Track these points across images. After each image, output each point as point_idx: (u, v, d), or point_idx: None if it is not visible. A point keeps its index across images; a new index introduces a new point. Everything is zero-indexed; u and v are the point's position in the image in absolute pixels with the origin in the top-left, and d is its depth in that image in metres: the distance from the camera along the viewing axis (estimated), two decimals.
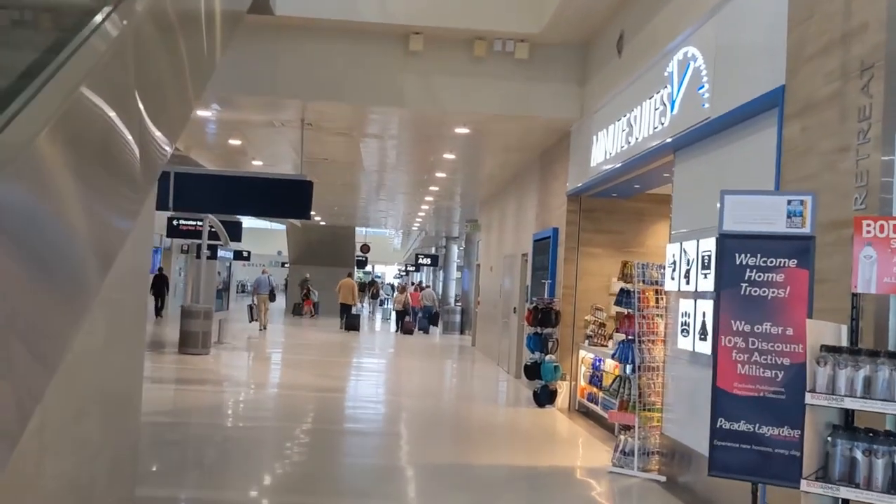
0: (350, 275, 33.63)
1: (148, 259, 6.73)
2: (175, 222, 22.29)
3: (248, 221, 57.46)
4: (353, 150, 15.73)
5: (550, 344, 12.29)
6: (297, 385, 14.80)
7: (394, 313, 30.76)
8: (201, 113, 12.87)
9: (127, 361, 5.94)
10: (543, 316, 12.30)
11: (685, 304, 7.43)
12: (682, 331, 7.45)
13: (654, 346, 8.21)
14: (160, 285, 28.47)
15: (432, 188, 21.02)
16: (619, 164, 9.49)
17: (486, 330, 21.51)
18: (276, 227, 41.19)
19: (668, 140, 7.91)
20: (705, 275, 6.93)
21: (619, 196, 12.17)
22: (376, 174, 19.32)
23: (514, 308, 16.45)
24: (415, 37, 11.32)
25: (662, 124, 8.09)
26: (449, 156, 15.52)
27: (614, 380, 9.82)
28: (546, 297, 12.71)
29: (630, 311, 8.34)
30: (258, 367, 17.05)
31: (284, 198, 12.48)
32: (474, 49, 11.40)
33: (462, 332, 28.79)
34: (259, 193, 12.41)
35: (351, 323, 28.05)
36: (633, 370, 8.23)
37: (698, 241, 7.17)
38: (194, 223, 21.25)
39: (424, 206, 26.75)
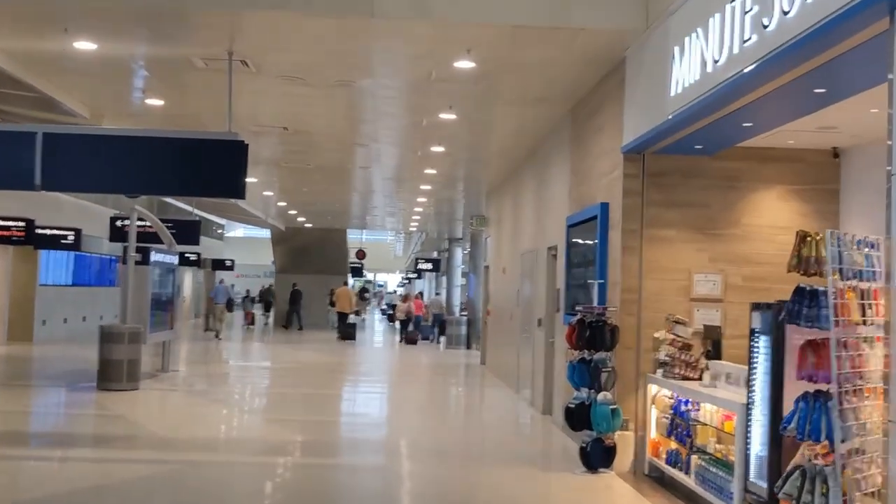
0: (346, 283, 32.48)
1: None
2: (118, 223, 18.24)
3: (235, 229, 53.84)
4: (316, 110, 11.61)
5: (605, 376, 8.16)
6: (241, 443, 10.68)
7: (398, 323, 29.95)
8: (82, 46, 8.77)
9: None
10: (594, 334, 8.17)
11: None
12: None
13: (864, 404, 4.07)
14: None
15: (428, 171, 16.85)
16: (753, 66, 5.31)
17: (498, 346, 17.36)
18: (267, 235, 37.17)
19: None
20: None
21: (705, 150, 8.04)
22: (353, 151, 15.14)
23: (539, 320, 12.32)
24: None
25: None
26: (447, 116, 11.39)
27: (790, 473, 5.48)
28: (596, 305, 8.58)
29: (820, 329, 4.20)
30: (197, 410, 12.80)
31: (205, 168, 8.37)
32: None
33: (468, 346, 24.64)
34: (166, 162, 8.31)
35: (346, 332, 27.13)
36: (837, 457, 4.07)
37: None
38: (142, 223, 17.16)
39: (421, 199, 22.58)
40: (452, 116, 11.43)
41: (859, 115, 6.84)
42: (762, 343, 5.84)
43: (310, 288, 34.53)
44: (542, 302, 12.23)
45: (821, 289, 4.24)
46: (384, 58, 9.31)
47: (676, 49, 6.76)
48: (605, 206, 8.88)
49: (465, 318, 25.64)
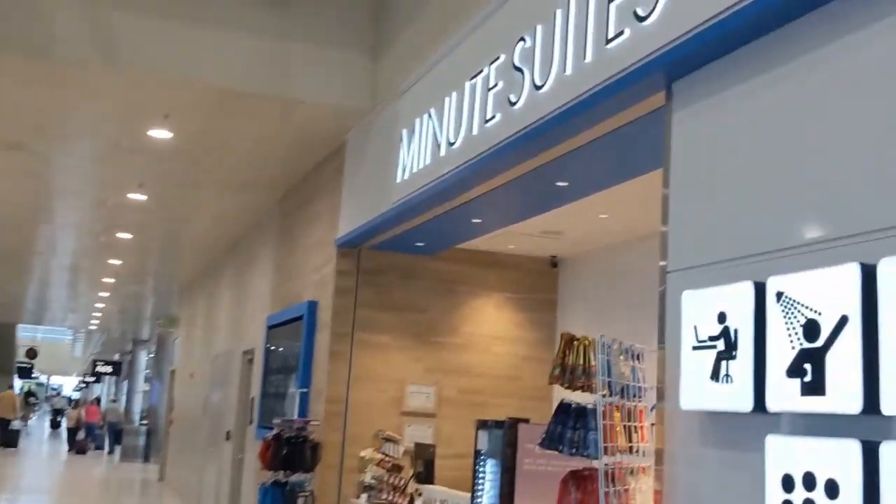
0: (11, 387, 30.33)
1: None
2: None
3: None
4: None
5: (301, 501, 7.02)
6: None
7: (66, 431, 28.21)
8: None
9: None
10: (292, 452, 7.05)
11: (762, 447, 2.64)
12: None
13: None
14: None
15: (112, 261, 15.06)
16: (495, 148, 4.64)
17: (182, 460, 15.57)
18: None
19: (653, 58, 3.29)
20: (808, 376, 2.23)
21: (426, 248, 7.36)
22: (25, 231, 13.11)
23: (228, 432, 10.95)
24: None
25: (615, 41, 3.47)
26: (137, 196, 9.99)
27: None
28: (297, 417, 7.48)
29: (587, 458, 3.41)
30: None
31: None
32: None
33: (147, 458, 22.28)
34: None
35: (8, 439, 25.06)
36: None
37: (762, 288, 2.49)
38: None
39: (104, 293, 20.38)
40: (143, 197, 10.06)
41: (587, 220, 6.48)
42: (489, 468, 5.05)
43: None
44: (232, 411, 10.90)
45: (589, 406, 3.51)
46: (66, 116, 7.88)
47: (405, 132, 6.06)
48: (312, 305, 7.91)
49: (145, 427, 23.27)
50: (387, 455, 6.98)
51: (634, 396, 3.56)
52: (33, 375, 41.30)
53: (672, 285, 3.17)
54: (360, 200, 7.16)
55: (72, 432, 27.10)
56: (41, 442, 32.30)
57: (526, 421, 4.97)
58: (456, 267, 7.75)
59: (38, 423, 41.29)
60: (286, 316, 8.64)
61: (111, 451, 25.99)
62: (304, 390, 7.72)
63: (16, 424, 26.23)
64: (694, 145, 3.26)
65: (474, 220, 6.20)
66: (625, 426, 3.42)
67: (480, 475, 5.13)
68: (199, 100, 7.01)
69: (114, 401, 33.81)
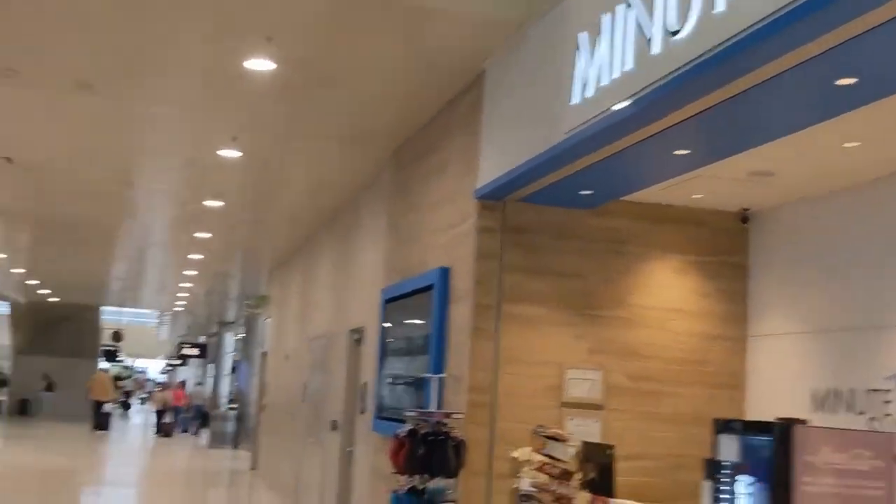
0: (103, 369, 30.22)
1: None
2: None
3: None
4: (46, 127, 8.63)
5: None
6: None
7: (155, 413, 27.96)
8: None
9: None
10: (430, 452, 5.65)
11: None
12: None
13: None
14: None
15: (200, 234, 13.91)
16: (784, 12, 3.10)
17: (276, 448, 14.44)
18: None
19: None
20: None
21: (593, 198, 5.85)
22: (102, 200, 11.95)
23: (335, 422, 9.66)
24: None
25: None
26: (229, 153, 8.70)
27: None
28: (434, 409, 6.07)
29: None
30: None
31: None
32: None
33: (236, 445, 21.33)
34: None
35: (101, 422, 25.27)
36: None
37: None
38: None
39: (190, 272, 19.38)
40: (236, 154, 8.76)
41: (820, 153, 4.90)
42: (741, 488, 3.57)
43: (55, 371, 30.54)
44: (338, 398, 9.61)
45: None
46: (147, 46, 6.50)
47: (584, 35, 4.56)
48: (444, 272, 6.49)
49: (233, 412, 22.33)
50: (551, 457, 5.53)
51: None
52: (119, 359, 41.10)
53: None
54: (508, 139, 5.70)
55: (159, 415, 27.22)
56: (130, 423, 32.08)
57: (802, 422, 3.47)
58: (622, 223, 6.23)
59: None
60: (407, 287, 7.25)
61: (197, 434, 26.17)
62: (441, 376, 6.32)
63: (107, 407, 26.24)
64: None
65: (679, 152, 4.68)
66: None
67: (724, 498, 3.64)
68: (307, 15, 5.62)
69: (199, 384, 33.33)
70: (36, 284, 24.93)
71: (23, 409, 30.86)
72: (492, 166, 5.89)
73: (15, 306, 30.57)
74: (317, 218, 11.81)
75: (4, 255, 19.13)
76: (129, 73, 6.87)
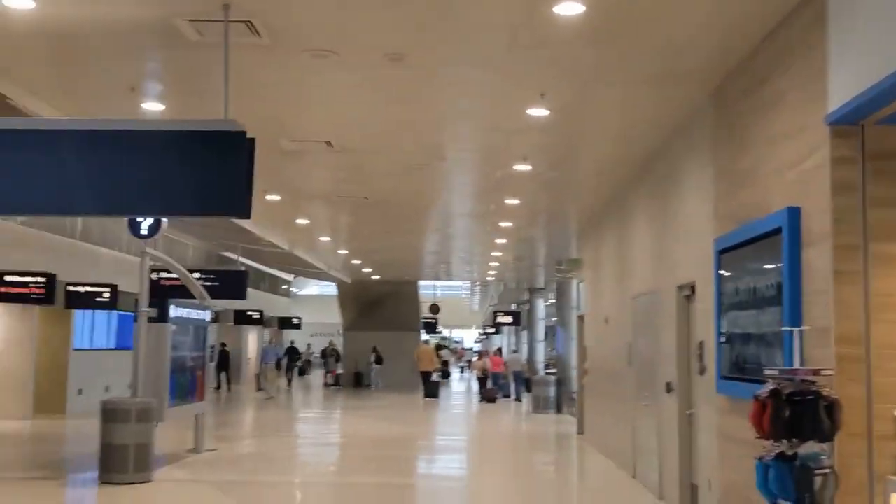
0: (427, 341, 33.09)
1: None
2: (153, 275, 15.66)
3: (306, 286, 51.46)
4: (360, 108, 8.82)
5: (820, 481, 4.98)
6: None
7: (476, 381, 29.85)
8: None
9: None
10: (798, 413, 5.02)
11: None
12: None
13: None
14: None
15: (510, 200, 13.89)
16: None
17: (602, 413, 14.17)
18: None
19: None
20: None
21: None
22: (413, 176, 12.18)
23: (669, 384, 9.16)
24: None
25: None
26: (536, 111, 8.43)
27: None
28: (797, 366, 5.42)
29: None
30: None
31: (187, 173, 5.67)
32: None
33: (559, 409, 21.39)
34: (130, 167, 5.63)
35: (431, 391, 26.91)
36: None
37: None
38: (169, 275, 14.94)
39: (500, 241, 19.60)
40: (544, 112, 8.47)
41: None
42: None
43: (382, 345, 32.90)
44: (670, 360, 9.10)
45: None
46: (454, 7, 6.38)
47: None
48: (794, 213, 5.78)
49: (552, 377, 22.41)
50: None
51: None
52: (437, 330, 42.99)
53: None
54: (869, 49, 4.89)
55: (481, 382, 28.38)
56: (454, 392, 33.38)
57: None
58: None
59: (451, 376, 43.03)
60: (746, 234, 6.59)
61: (518, 399, 26.57)
62: (790, 330, 5.63)
63: (433, 377, 27.69)
64: None
65: None
66: None
67: None
68: None
69: (514, 351, 34.01)
70: (359, 264, 26.49)
71: (357, 381, 33.28)
72: (846, 84, 5.11)
73: (341, 286, 32.78)
74: (626, 172, 11.30)
75: (329, 238, 20.38)
76: (440, 40, 6.76)
